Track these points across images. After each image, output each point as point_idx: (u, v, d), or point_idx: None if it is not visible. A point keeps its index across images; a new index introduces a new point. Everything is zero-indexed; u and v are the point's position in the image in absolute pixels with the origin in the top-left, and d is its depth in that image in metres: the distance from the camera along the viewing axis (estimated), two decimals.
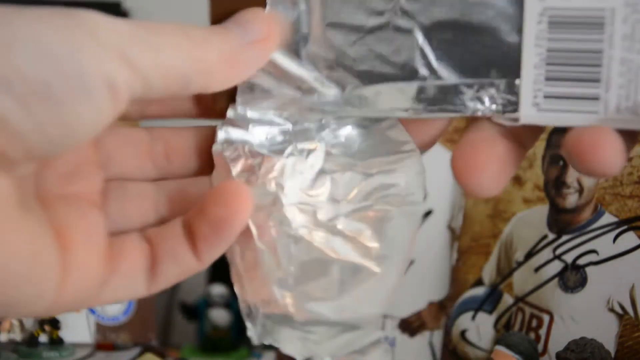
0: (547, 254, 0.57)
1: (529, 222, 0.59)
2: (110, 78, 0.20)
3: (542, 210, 0.58)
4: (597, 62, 0.23)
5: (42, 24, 0.20)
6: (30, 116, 0.19)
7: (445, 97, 0.24)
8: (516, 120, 0.24)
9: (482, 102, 0.24)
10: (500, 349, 0.54)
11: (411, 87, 0.24)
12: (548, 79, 0.23)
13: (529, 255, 0.58)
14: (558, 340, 0.54)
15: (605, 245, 0.54)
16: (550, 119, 0.23)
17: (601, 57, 0.23)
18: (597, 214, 0.55)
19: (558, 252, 0.57)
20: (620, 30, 0.22)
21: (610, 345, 0.52)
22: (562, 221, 0.57)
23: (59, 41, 0.20)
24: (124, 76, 0.21)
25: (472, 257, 0.62)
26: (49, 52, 0.19)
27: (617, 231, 0.54)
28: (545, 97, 0.23)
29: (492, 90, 0.24)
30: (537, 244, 0.58)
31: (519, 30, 0.23)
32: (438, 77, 0.24)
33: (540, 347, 0.55)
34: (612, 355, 0.52)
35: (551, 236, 0.57)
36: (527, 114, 0.23)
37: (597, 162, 0.21)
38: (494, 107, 0.24)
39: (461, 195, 0.64)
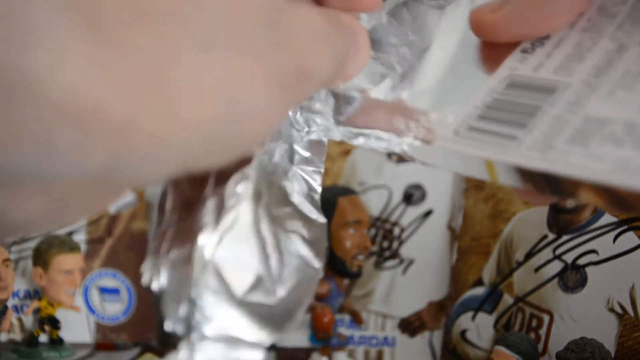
0: (547, 254, 0.57)
1: (529, 222, 0.59)
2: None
3: (542, 210, 0.58)
4: (532, 114, 0.23)
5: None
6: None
7: None
8: (429, 142, 0.24)
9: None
10: (500, 349, 0.54)
11: None
12: (480, 117, 0.24)
13: (529, 255, 0.58)
14: (558, 340, 0.54)
15: (605, 245, 0.54)
16: (462, 146, 0.23)
17: (538, 111, 0.23)
18: (597, 214, 0.55)
19: (558, 252, 0.57)
20: (567, 97, 0.23)
21: (610, 345, 0.52)
22: (562, 221, 0.57)
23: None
24: None
25: (472, 257, 0.62)
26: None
27: (617, 231, 0.54)
28: (469, 128, 0.24)
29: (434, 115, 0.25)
30: (537, 244, 0.58)
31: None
32: None
33: (540, 347, 0.55)
34: (612, 355, 0.52)
35: (551, 236, 0.57)
36: (444, 136, 0.24)
37: None
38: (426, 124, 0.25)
39: (461, 195, 0.64)
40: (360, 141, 0.26)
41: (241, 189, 0.23)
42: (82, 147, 0.15)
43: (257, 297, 0.23)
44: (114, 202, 0.20)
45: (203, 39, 0.17)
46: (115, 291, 0.67)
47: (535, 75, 0.25)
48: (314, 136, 0.27)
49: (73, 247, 0.62)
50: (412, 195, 0.65)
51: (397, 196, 0.65)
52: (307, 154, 0.27)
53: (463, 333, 0.61)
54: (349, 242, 0.61)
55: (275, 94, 0.18)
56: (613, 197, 0.20)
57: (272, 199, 0.25)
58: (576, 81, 0.24)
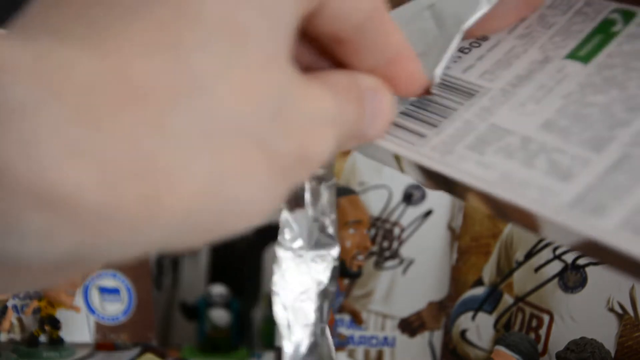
0: (547, 254, 0.57)
1: None
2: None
3: None
4: (446, 116, 0.24)
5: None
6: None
7: None
8: None
9: None
10: (500, 349, 0.54)
11: None
12: (402, 113, 0.25)
13: (529, 255, 0.58)
14: (558, 340, 0.54)
15: None
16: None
17: (451, 113, 0.24)
18: None
19: (558, 252, 0.57)
20: (482, 103, 0.24)
21: (610, 345, 0.52)
22: None
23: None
24: None
25: (472, 257, 0.62)
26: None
27: None
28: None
29: None
30: (537, 244, 0.58)
31: None
32: None
33: (540, 347, 0.55)
34: (612, 355, 0.52)
35: None
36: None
37: None
38: None
39: None
40: None
41: None
42: (51, 232, 0.14)
43: None
44: (92, 273, 0.20)
45: (203, 126, 0.16)
46: (115, 291, 0.67)
47: (461, 77, 0.25)
48: None
49: None
50: (412, 195, 0.65)
51: (397, 196, 0.65)
52: None
53: (463, 333, 0.61)
54: (349, 242, 0.61)
55: (271, 182, 0.18)
56: (496, 206, 0.21)
57: None
58: (496, 88, 0.24)
